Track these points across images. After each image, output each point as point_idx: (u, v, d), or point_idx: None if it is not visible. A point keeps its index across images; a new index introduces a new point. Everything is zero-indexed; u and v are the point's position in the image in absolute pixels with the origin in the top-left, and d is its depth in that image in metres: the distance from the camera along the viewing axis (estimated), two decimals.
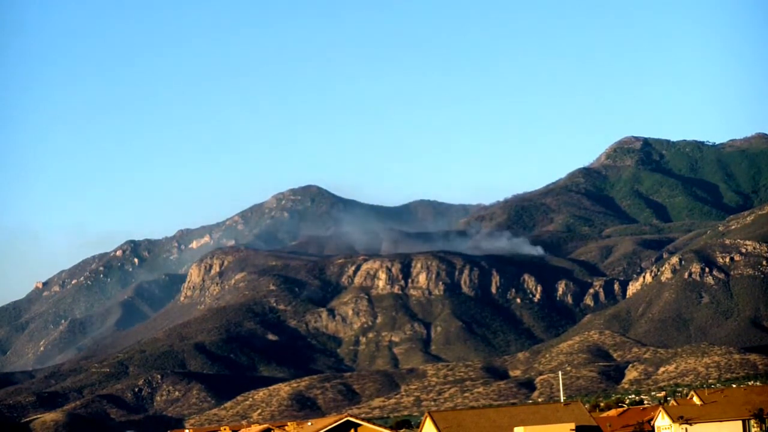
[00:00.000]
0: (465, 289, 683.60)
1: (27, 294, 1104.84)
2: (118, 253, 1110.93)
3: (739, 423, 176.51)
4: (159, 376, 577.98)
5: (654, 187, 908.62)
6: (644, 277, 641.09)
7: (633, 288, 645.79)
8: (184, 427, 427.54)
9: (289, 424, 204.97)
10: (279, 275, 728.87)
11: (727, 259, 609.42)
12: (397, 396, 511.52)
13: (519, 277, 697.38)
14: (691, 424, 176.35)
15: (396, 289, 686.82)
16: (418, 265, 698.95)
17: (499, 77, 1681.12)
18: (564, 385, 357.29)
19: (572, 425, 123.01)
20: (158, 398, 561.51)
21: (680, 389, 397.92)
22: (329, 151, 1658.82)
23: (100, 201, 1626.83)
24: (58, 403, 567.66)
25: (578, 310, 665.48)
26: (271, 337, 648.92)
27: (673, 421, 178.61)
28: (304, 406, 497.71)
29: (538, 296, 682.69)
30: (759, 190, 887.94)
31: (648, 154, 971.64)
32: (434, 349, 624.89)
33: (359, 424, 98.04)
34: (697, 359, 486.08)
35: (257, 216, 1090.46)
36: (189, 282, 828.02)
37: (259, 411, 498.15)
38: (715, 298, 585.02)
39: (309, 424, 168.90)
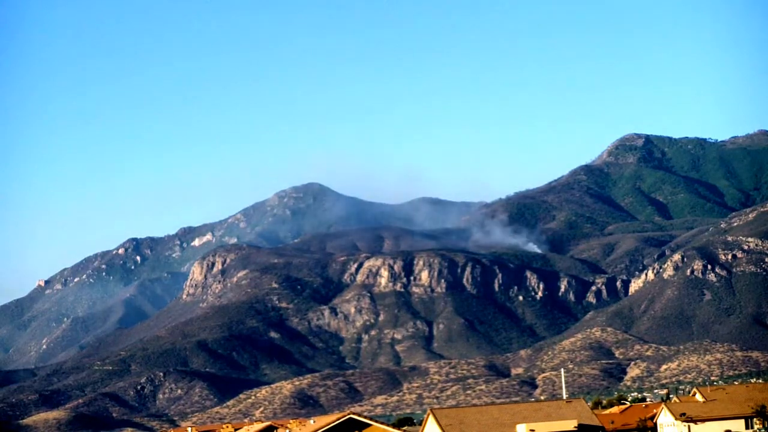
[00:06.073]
0: (467, 286, 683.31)
1: (29, 292, 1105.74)
2: (121, 251, 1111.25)
3: (742, 421, 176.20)
4: (161, 374, 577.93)
5: (656, 184, 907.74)
6: (646, 275, 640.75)
7: (635, 285, 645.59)
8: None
9: (291, 422, 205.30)
10: (281, 273, 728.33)
11: (729, 257, 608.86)
12: (399, 394, 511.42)
13: (521, 274, 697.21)
14: (694, 422, 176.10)
15: (398, 287, 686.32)
16: (420, 263, 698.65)
17: (501, 75, 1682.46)
18: (566, 382, 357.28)
19: (575, 422, 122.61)
20: (160, 396, 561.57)
21: (683, 386, 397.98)
22: (331, 148, 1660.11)
23: (102, 199, 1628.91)
24: (61, 401, 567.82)
25: (580, 307, 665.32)
26: (273, 335, 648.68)
27: (676, 419, 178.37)
28: (306, 404, 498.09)
29: (540, 294, 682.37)
30: (761, 188, 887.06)
31: (650, 152, 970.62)
32: (436, 346, 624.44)
33: (362, 422, 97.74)
34: (700, 356, 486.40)
35: (259, 214, 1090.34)
36: (191, 280, 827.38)
37: (262, 409, 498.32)
38: (717, 296, 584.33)
39: (311, 422, 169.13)
